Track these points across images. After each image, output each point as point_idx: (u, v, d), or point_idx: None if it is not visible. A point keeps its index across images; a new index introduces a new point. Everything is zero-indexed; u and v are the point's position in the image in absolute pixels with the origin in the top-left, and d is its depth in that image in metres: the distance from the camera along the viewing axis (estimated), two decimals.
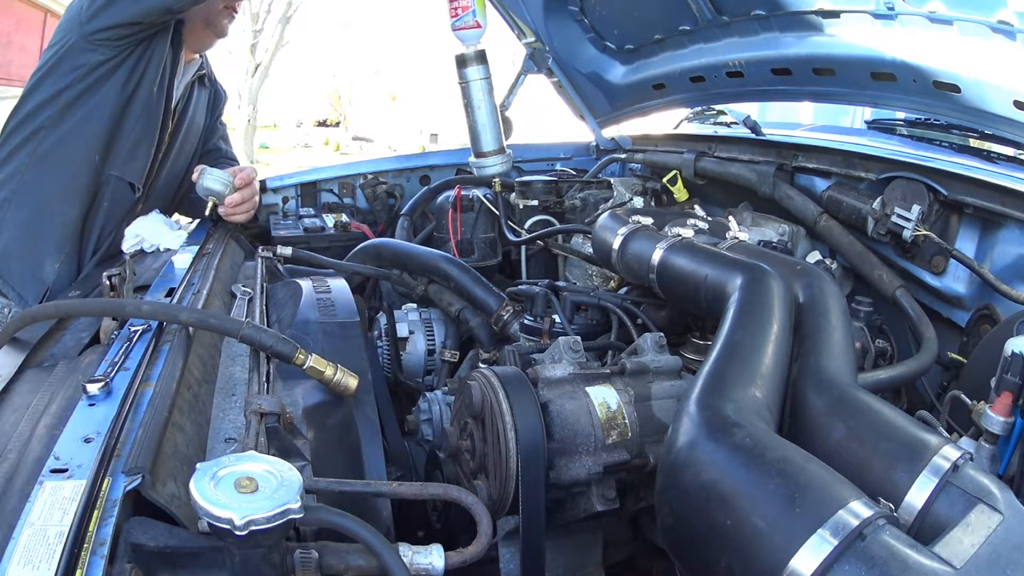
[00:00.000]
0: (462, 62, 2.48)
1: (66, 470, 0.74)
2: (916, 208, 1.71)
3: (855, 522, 0.73)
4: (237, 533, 0.62)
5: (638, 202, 2.54)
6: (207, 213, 1.98)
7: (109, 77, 1.80)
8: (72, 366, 1.09)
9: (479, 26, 1.97)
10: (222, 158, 2.32)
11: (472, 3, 1.94)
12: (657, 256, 1.59)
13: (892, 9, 1.63)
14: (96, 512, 0.68)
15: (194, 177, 1.94)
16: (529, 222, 2.47)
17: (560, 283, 1.98)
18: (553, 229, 2.38)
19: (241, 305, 1.44)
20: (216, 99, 2.32)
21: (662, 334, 1.43)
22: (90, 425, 0.82)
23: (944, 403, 1.32)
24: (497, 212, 2.51)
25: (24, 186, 1.82)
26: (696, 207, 2.29)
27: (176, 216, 2.16)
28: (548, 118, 3.61)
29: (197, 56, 2.13)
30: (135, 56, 1.82)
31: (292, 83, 23.06)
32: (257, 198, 2.11)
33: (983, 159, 1.91)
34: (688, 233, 1.66)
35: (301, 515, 0.66)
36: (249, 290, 1.52)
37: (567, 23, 2.54)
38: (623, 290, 1.90)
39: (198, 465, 0.68)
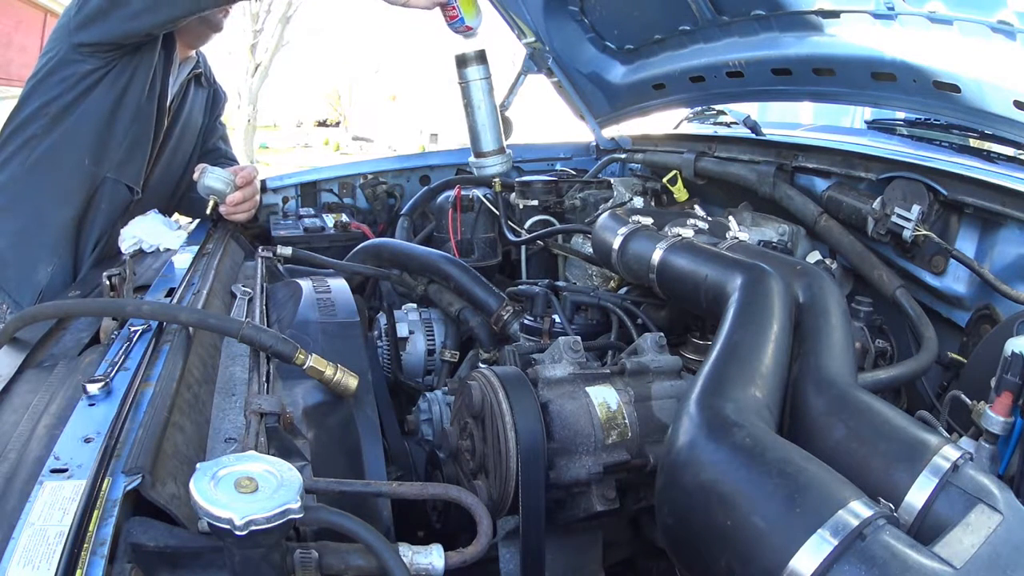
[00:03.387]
0: (462, 62, 2.49)
1: (66, 470, 0.74)
2: (916, 208, 1.71)
3: (855, 522, 0.73)
4: (237, 533, 0.62)
5: (638, 202, 2.54)
6: (208, 212, 1.97)
7: (97, 84, 1.80)
8: (72, 366, 1.09)
9: (470, 29, 2.00)
10: (221, 158, 2.32)
11: (459, 11, 1.96)
12: (657, 256, 1.59)
13: (892, 9, 1.63)
14: (96, 512, 0.68)
15: (195, 176, 1.94)
16: (529, 222, 2.47)
17: (560, 283, 1.98)
18: (553, 229, 2.38)
19: (241, 305, 1.44)
20: (215, 99, 2.31)
21: (662, 334, 1.43)
22: (90, 425, 0.82)
23: (944, 403, 1.32)
24: (497, 212, 2.51)
25: (17, 195, 1.83)
26: (696, 207, 2.29)
27: (176, 216, 2.16)
28: (548, 118, 3.61)
29: (193, 54, 2.12)
30: (123, 61, 1.82)
31: (292, 83, 23.08)
32: (258, 197, 2.11)
33: (983, 159, 1.91)
34: (688, 233, 1.66)
35: (301, 515, 0.66)
36: (249, 290, 1.52)
37: (567, 23, 2.54)
38: (623, 290, 1.90)
39: (198, 465, 0.68)
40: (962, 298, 1.73)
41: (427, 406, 1.65)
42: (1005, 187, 1.61)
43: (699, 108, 2.96)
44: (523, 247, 2.46)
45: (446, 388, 1.72)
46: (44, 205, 1.84)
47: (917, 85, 1.70)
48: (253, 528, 0.63)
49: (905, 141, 2.25)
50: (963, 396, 1.24)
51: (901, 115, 2.50)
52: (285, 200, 2.77)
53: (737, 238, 1.71)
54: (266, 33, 16.45)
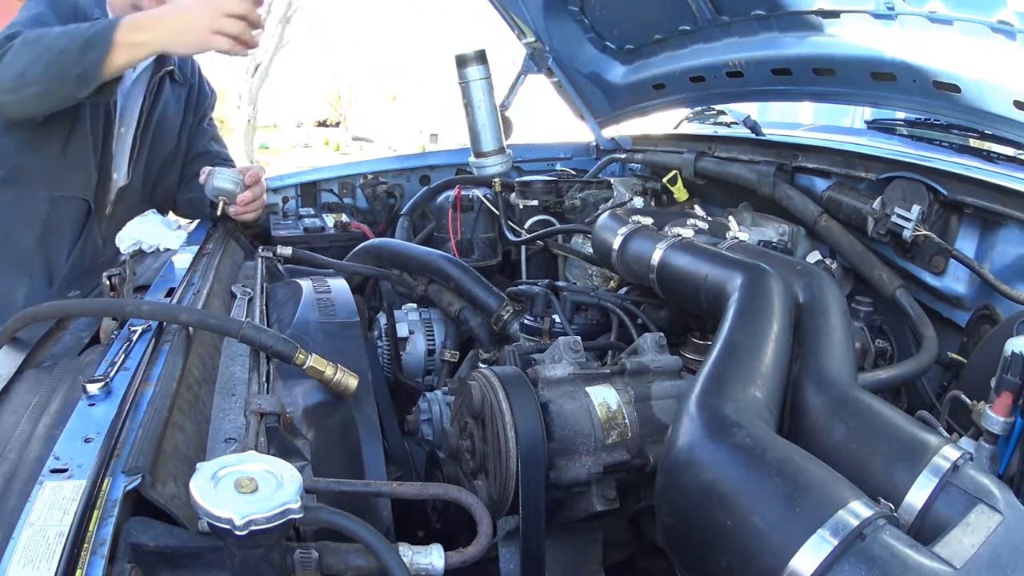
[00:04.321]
0: (462, 62, 2.49)
1: (66, 470, 0.74)
2: (916, 208, 1.71)
3: (855, 522, 0.73)
4: (237, 533, 0.62)
5: (638, 202, 2.54)
6: (217, 213, 1.93)
7: None
8: (72, 366, 1.09)
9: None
10: (216, 159, 2.27)
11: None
12: (657, 256, 1.59)
13: (892, 9, 1.63)
14: (96, 512, 0.68)
15: (201, 179, 1.91)
16: (529, 222, 2.47)
17: (560, 283, 1.98)
18: (553, 229, 2.38)
19: (241, 305, 1.44)
20: (199, 97, 2.21)
21: (662, 334, 1.43)
22: (90, 425, 0.82)
23: (944, 403, 1.32)
24: (497, 212, 2.51)
25: None
26: (696, 207, 2.29)
27: (174, 216, 2.15)
28: (548, 118, 3.61)
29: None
30: None
31: (292, 83, 23.06)
32: (265, 196, 2.06)
33: (983, 159, 1.91)
34: (688, 233, 1.66)
35: (301, 515, 0.66)
36: (249, 290, 1.52)
37: (567, 23, 2.54)
38: (623, 290, 1.90)
39: (198, 465, 0.68)
40: (962, 298, 1.73)
41: (427, 406, 1.65)
42: (1005, 187, 1.61)
43: (699, 108, 2.96)
44: (523, 247, 2.46)
45: (446, 388, 1.72)
46: (10, 228, 1.86)
47: (917, 85, 1.70)
48: (253, 528, 0.63)
49: (905, 141, 2.25)
50: (963, 396, 1.24)
51: (901, 115, 2.50)
52: (285, 200, 2.77)
53: (737, 238, 1.71)
54: (266, 33, 16.43)
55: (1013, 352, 1.13)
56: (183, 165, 2.17)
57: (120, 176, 1.99)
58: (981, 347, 1.48)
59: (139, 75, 1.98)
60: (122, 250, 1.80)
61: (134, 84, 1.97)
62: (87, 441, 0.79)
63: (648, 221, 1.77)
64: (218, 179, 1.89)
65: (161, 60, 2.04)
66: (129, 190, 2.02)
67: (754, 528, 0.78)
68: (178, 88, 2.14)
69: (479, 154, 2.63)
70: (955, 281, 1.73)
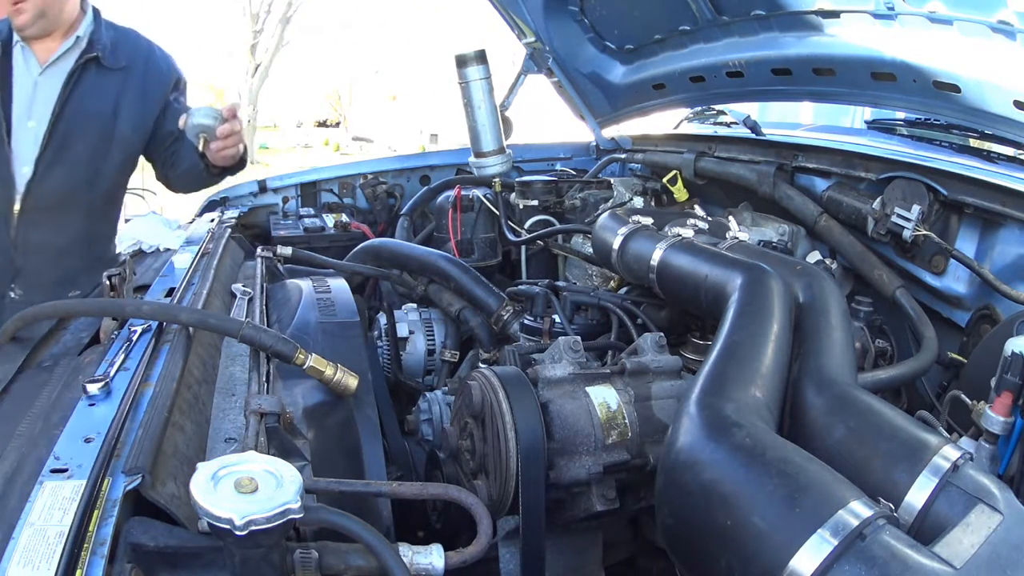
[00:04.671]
0: (462, 62, 2.49)
1: (66, 470, 0.74)
2: (916, 208, 1.71)
3: (855, 522, 0.73)
4: (237, 533, 0.62)
5: (638, 202, 2.54)
6: (200, 148, 1.82)
7: None
8: (72, 366, 1.09)
9: None
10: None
11: None
12: (657, 256, 1.59)
13: (892, 9, 1.63)
14: (96, 512, 0.68)
15: (181, 124, 1.82)
16: (529, 222, 2.47)
17: (560, 283, 1.98)
18: (553, 229, 2.38)
19: (241, 305, 1.44)
20: (149, 78, 2.02)
21: (662, 334, 1.43)
22: (90, 425, 0.82)
23: (944, 403, 1.32)
24: (497, 212, 2.51)
25: None
26: (696, 207, 2.30)
27: (174, 216, 2.14)
28: (548, 118, 3.62)
29: (73, 40, 1.92)
30: None
31: (292, 83, 23.08)
32: (244, 131, 1.92)
33: (983, 159, 1.91)
34: (688, 233, 1.66)
35: (301, 515, 0.66)
36: (249, 290, 1.52)
37: (567, 23, 2.54)
38: (623, 290, 1.90)
39: (198, 465, 0.68)
40: (962, 298, 1.73)
41: (427, 406, 1.65)
42: (1005, 187, 1.61)
43: (699, 108, 2.96)
44: (523, 247, 2.46)
45: (446, 388, 1.73)
46: None
47: (917, 85, 1.70)
48: (253, 528, 0.63)
49: (905, 141, 2.25)
50: (963, 396, 1.24)
51: (901, 115, 2.49)
52: (285, 200, 2.78)
53: (737, 238, 1.71)
54: (266, 33, 16.47)
55: (1013, 352, 1.13)
56: (163, 148, 2.06)
57: (31, 170, 1.90)
58: (981, 347, 1.48)
59: (48, 69, 1.91)
60: (122, 250, 1.80)
61: (44, 78, 1.90)
62: (87, 441, 0.79)
63: (648, 221, 1.77)
64: (197, 116, 1.80)
65: (88, 47, 1.94)
66: (43, 185, 1.92)
67: (754, 528, 0.78)
68: (109, 74, 1.98)
69: (479, 154, 2.63)
70: (955, 281, 1.73)
